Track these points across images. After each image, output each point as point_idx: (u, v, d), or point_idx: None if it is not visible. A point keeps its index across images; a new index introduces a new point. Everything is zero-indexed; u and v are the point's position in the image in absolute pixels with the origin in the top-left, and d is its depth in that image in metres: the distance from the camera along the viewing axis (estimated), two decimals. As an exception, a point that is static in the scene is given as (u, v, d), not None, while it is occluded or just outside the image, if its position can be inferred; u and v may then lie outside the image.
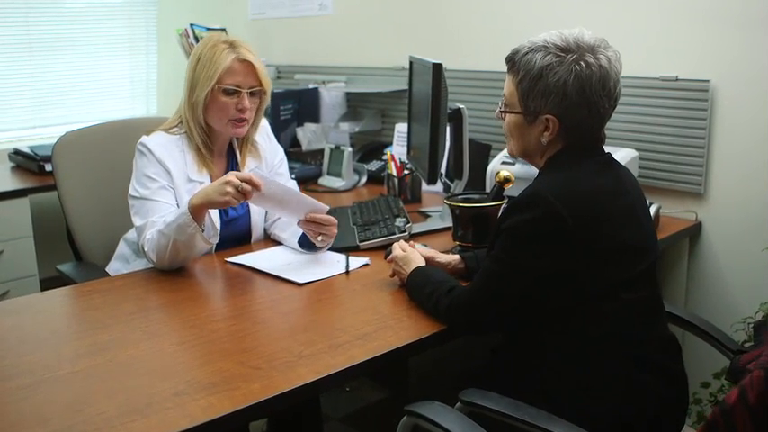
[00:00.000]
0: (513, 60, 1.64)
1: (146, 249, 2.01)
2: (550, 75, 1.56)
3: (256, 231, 2.31)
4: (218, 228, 2.10)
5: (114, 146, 2.46)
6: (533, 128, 1.63)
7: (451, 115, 2.38)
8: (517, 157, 1.77)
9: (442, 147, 2.32)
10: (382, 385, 3.07)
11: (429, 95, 2.27)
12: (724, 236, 2.49)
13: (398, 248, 1.94)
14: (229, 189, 1.88)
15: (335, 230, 2.10)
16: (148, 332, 1.67)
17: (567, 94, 1.56)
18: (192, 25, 3.73)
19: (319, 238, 2.07)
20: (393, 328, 1.68)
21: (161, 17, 4.35)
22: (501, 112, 1.69)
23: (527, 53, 1.60)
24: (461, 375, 1.98)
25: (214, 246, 2.12)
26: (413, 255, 1.90)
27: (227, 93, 2.08)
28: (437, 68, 2.23)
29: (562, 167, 1.60)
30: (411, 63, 2.64)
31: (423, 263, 1.88)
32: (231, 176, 1.90)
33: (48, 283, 3.21)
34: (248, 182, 1.89)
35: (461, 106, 2.39)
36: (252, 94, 2.12)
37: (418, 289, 1.78)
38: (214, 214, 2.14)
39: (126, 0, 4.25)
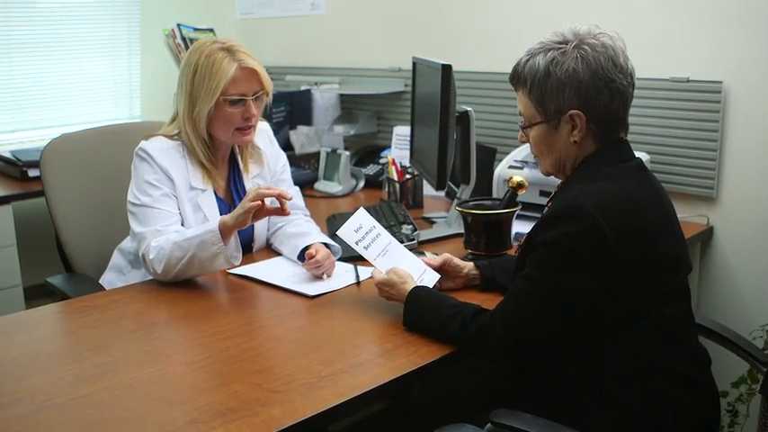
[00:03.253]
0: (516, 75, 1.58)
1: (150, 258, 1.90)
2: (557, 68, 1.50)
3: (259, 240, 2.21)
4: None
5: (107, 151, 2.34)
6: (560, 132, 1.55)
7: (458, 118, 2.29)
8: (554, 173, 1.64)
9: (451, 151, 2.23)
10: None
11: (437, 97, 2.19)
12: (736, 241, 2.43)
13: (377, 274, 1.76)
14: (245, 203, 1.84)
15: (333, 259, 2.02)
16: (153, 352, 1.57)
17: (581, 81, 1.49)
18: (179, 25, 3.61)
19: (324, 276, 1.97)
20: (414, 343, 1.59)
21: (144, 17, 4.21)
22: (523, 129, 1.61)
23: (527, 61, 1.55)
24: (476, 390, 1.90)
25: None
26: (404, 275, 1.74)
27: (233, 103, 1.98)
28: (446, 70, 2.14)
29: (597, 175, 1.51)
30: (414, 64, 2.55)
31: (414, 284, 1.72)
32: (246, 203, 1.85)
33: (32, 292, 3.09)
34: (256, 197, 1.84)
35: (469, 109, 2.31)
36: (255, 99, 2.02)
37: (431, 310, 1.62)
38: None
39: (108, -1, 4.12)
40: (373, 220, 1.78)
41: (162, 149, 2.01)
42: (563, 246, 1.45)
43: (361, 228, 1.76)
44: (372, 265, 1.80)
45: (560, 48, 1.50)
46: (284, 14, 3.70)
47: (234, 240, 1.91)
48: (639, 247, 1.46)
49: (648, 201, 1.53)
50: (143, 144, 2.02)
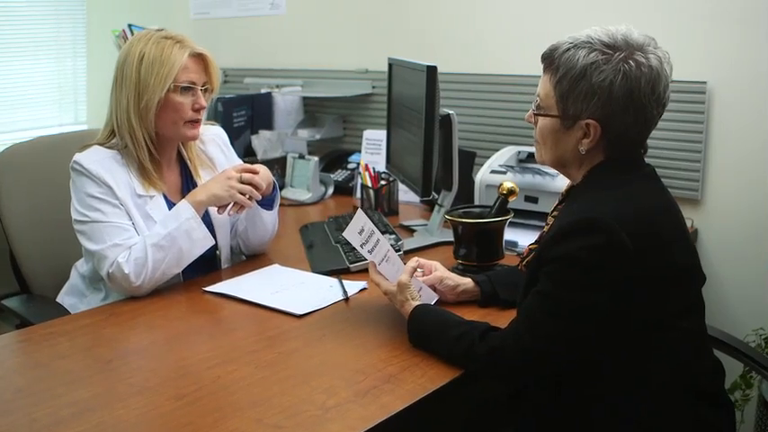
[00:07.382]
0: (551, 58, 1.46)
1: (126, 272, 1.78)
2: (595, 74, 1.39)
3: (224, 250, 2.06)
4: None
5: (63, 161, 2.13)
6: (570, 134, 1.46)
7: (440, 122, 2.19)
8: (551, 167, 1.57)
9: (436, 156, 2.12)
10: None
11: (418, 101, 2.09)
12: (721, 244, 2.40)
13: (383, 282, 1.67)
14: (233, 183, 1.90)
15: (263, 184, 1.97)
16: (136, 385, 1.42)
17: (612, 96, 1.39)
18: (130, 26, 3.43)
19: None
20: (420, 366, 1.48)
21: (90, 17, 4.00)
22: (534, 114, 1.51)
23: (568, 49, 1.43)
24: (474, 411, 1.80)
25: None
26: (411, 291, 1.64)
27: (183, 90, 1.89)
28: (432, 72, 2.04)
29: (612, 184, 1.43)
30: (390, 65, 2.44)
31: (418, 302, 1.63)
32: (230, 171, 1.94)
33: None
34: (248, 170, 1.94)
35: (451, 112, 2.21)
36: (203, 92, 1.94)
37: (436, 330, 1.53)
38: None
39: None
40: (371, 223, 1.67)
41: (98, 161, 1.87)
42: (580, 260, 1.35)
43: (363, 230, 1.64)
44: (361, 278, 1.73)
45: (606, 53, 1.39)
46: (242, 14, 3.54)
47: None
48: (659, 258, 1.38)
49: (663, 210, 1.46)
50: (77, 156, 1.89)
